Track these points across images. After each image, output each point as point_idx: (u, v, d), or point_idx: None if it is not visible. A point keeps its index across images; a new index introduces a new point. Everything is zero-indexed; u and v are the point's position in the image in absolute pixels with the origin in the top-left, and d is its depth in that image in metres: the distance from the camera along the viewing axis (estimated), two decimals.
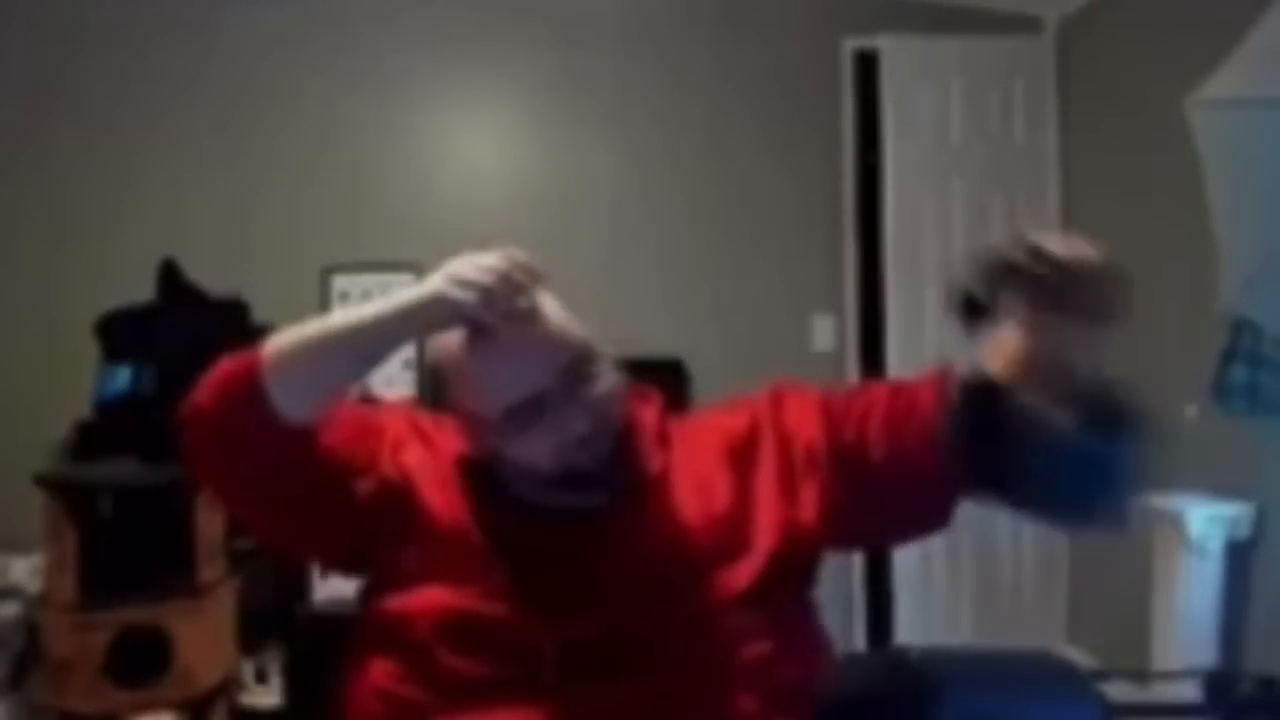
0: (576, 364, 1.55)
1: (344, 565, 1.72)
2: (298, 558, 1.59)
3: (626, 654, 1.47)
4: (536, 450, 1.54)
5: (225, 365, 1.56)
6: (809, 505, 1.59)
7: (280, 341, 1.54)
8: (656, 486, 1.62)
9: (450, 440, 1.69)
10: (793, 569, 1.58)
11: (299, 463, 1.56)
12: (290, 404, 1.51)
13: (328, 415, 1.58)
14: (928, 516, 1.60)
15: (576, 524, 1.58)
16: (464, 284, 1.46)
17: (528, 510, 1.59)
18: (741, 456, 1.65)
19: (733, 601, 1.51)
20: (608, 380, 1.58)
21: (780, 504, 1.59)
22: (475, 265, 1.48)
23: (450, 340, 1.57)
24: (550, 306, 1.57)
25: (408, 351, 4.94)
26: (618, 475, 1.58)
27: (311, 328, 1.54)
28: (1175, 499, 3.91)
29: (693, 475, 1.64)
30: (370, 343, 1.53)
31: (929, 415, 1.54)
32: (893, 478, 1.55)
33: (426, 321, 1.51)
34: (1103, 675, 1.21)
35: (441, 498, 1.61)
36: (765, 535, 1.57)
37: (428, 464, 1.66)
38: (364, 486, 1.61)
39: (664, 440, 1.69)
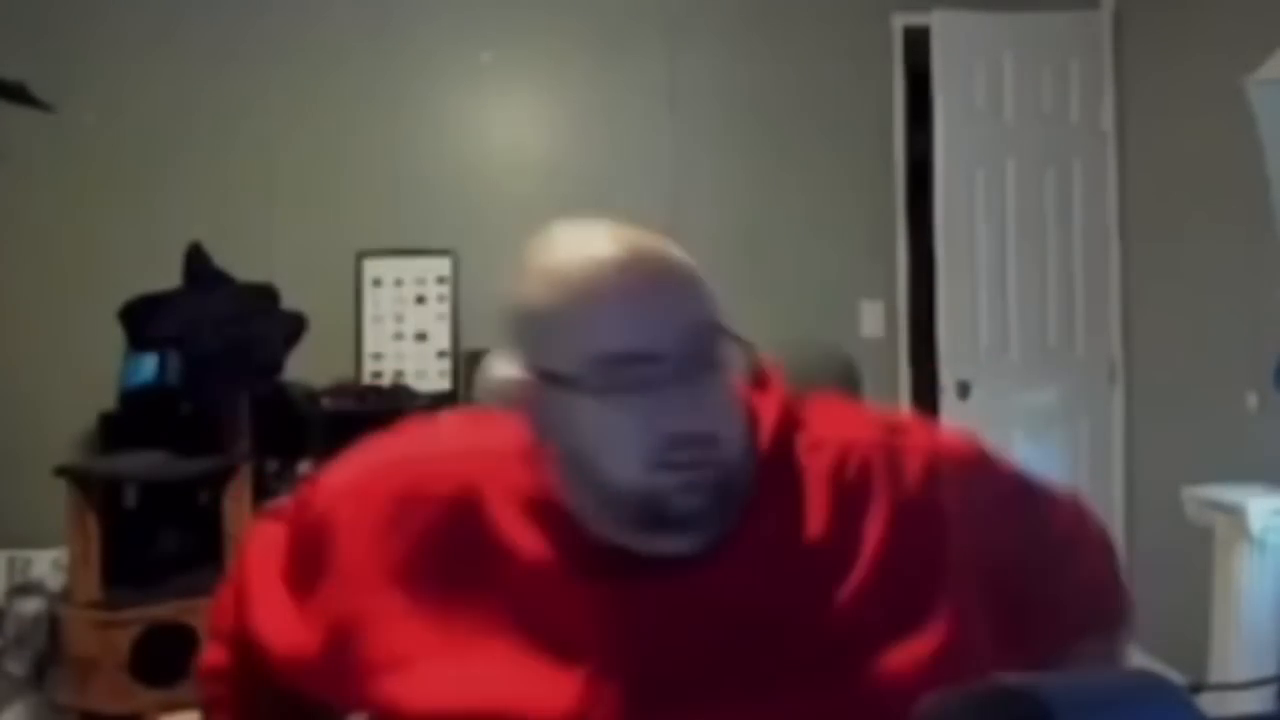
0: (705, 334, 1.17)
1: None
2: None
3: None
4: (620, 432, 1.13)
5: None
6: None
7: None
8: (766, 519, 1.21)
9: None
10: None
11: None
12: None
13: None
14: None
15: (660, 576, 1.17)
16: None
17: (596, 553, 1.18)
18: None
19: (896, 694, 1.07)
20: (731, 373, 1.19)
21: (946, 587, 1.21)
22: None
23: (546, 280, 1.18)
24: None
25: (443, 340, 4.84)
26: (720, 513, 1.15)
27: None
28: (1236, 491, 3.82)
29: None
30: None
31: None
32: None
33: None
34: (1196, 689, 1.08)
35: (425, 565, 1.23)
36: (942, 619, 1.19)
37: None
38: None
39: (784, 453, 1.25)
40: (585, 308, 1.14)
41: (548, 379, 1.16)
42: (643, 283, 1.16)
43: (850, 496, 1.23)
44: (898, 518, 1.22)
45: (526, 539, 1.20)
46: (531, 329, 1.19)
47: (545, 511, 1.20)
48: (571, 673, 1.13)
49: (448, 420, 1.51)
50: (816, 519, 1.21)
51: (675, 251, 1.22)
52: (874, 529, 1.21)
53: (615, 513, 1.15)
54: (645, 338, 1.13)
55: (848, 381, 1.80)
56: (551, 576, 1.18)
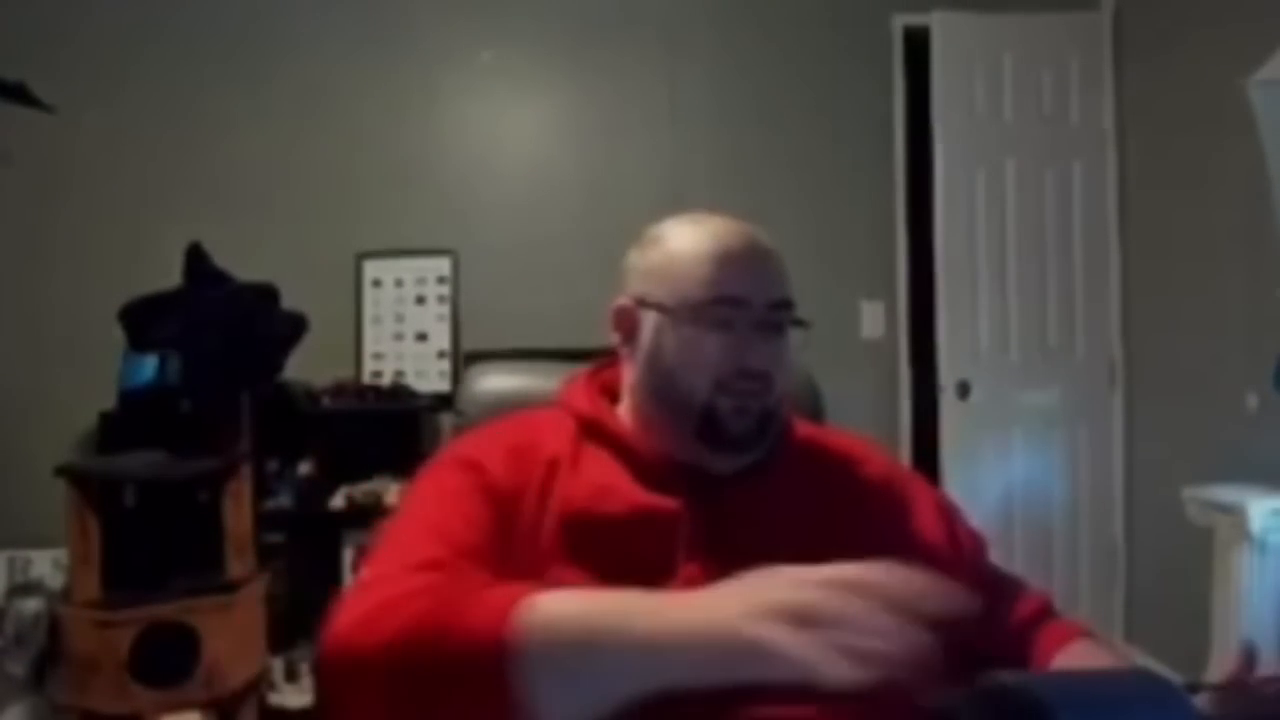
0: (782, 304, 1.51)
1: None
2: None
3: None
4: (701, 354, 1.46)
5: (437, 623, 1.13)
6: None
7: (550, 633, 1.09)
8: (790, 466, 1.54)
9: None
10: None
11: None
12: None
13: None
14: None
15: (718, 488, 1.47)
16: (849, 658, 0.96)
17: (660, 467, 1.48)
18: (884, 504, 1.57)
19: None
20: (793, 345, 1.53)
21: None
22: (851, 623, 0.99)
23: (668, 239, 1.55)
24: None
25: (443, 340, 4.83)
26: (762, 440, 1.49)
27: (600, 634, 1.08)
28: (1236, 491, 3.80)
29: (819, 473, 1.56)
30: (660, 677, 1.06)
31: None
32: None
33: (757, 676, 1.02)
34: (1194, 688, 1.10)
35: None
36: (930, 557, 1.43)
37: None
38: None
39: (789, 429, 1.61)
40: (698, 258, 1.48)
41: (653, 308, 1.50)
42: (747, 248, 1.50)
43: (846, 454, 1.61)
44: (889, 476, 1.60)
45: (610, 474, 1.47)
46: (650, 272, 1.53)
47: (622, 448, 1.50)
48: (667, 578, 1.36)
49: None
50: (827, 462, 1.58)
51: (768, 239, 1.55)
52: (874, 471, 1.59)
53: (682, 425, 1.47)
54: (740, 287, 1.47)
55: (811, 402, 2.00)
56: (635, 497, 1.44)
